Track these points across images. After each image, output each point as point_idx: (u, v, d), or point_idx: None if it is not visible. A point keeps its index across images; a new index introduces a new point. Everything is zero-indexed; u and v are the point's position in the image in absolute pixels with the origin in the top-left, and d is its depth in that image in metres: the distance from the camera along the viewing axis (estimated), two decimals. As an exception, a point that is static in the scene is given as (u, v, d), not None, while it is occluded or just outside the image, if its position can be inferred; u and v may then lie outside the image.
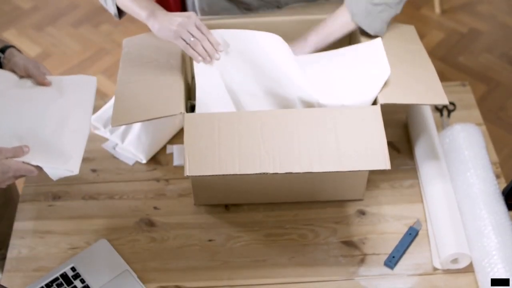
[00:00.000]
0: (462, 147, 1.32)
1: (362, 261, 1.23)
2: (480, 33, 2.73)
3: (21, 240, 1.29)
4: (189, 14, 1.23)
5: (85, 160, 1.20)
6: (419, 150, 1.36)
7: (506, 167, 2.10)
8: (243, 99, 1.26)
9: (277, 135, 1.13)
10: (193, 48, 1.22)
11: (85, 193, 1.37)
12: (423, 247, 1.25)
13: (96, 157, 1.43)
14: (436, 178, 1.29)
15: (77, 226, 1.31)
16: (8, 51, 1.23)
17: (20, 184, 1.46)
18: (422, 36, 2.63)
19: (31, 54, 2.69)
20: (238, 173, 1.09)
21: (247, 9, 1.43)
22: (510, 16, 2.80)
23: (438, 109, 1.50)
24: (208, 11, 1.47)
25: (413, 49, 1.31)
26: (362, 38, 1.32)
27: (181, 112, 1.17)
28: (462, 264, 1.20)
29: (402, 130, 1.46)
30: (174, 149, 1.44)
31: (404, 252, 1.24)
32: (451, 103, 1.50)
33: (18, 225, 1.31)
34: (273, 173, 1.09)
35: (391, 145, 1.42)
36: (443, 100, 1.18)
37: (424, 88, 1.21)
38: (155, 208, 1.34)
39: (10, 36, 2.78)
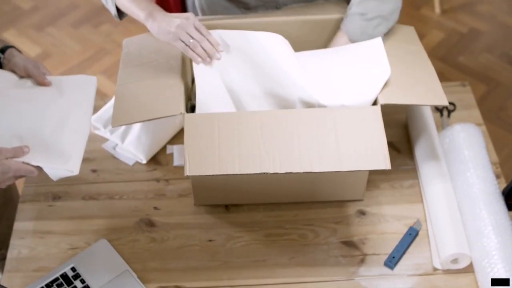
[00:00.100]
0: (462, 147, 1.32)
1: (362, 261, 1.23)
2: (480, 33, 2.72)
3: (21, 240, 1.29)
4: (188, 15, 1.23)
5: (85, 160, 1.20)
6: (419, 150, 1.36)
7: (506, 167, 2.10)
8: (243, 99, 1.26)
9: (277, 135, 1.13)
10: (192, 50, 1.22)
11: (85, 193, 1.37)
12: (423, 247, 1.25)
13: (96, 157, 1.43)
14: (436, 178, 1.29)
15: (77, 226, 1.31)
16: (8, 52, 1.23)
17: (20, 184, 1.46)
18: (422, 36, 2.65)
19: (31, 54, 2.69)
20: (238, 173, 1.09)
21: (246, 8, 1.43)
22: (510, 16, 2.80)
23: (438, 109, 1.50)
24: (207, 10, 1.47)
25: (413, 50, 1.31)
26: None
27: (181, 113, 1.17)
28: (462, 264, 1.20)
29: (402, 130, 1.46)
30: (174, 149, 1.44)
31: (404, 252, 1.24)
32: (451, 103, 1.50)
33: (18, 225, 1.31)
34: (273, 173, 1.09)
35: (391, 145, 1.42)
36: (443, 101, 1.19)
37: (424, 89, 1.21)
38: (155, 208, 1.34)
39: (10, 36, 2.78)
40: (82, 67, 2.64)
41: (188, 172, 1.10)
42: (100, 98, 1.50)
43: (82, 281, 1.20)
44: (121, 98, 1.21)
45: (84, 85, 1.24)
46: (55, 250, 1.27)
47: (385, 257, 1.23)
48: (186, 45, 1.21)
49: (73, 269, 1.22)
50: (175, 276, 1.22)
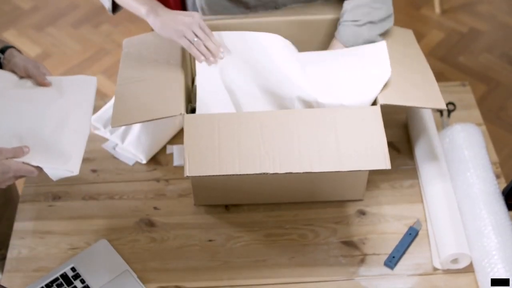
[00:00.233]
0: (462, 147, 1.32)
1: (362, 261, 1.23)
2: (480, 33, 2.72)
3: (21, 240, 1.29)
4: (193, 14, 1.23)
5: (85, 160, 1.20)
6: (419, 150, 1.36)
7: (506, 167, 2.10)
8: (242, 100, 1.26)
9: (277, 135, 1.13)
10: (196, 48, 1.22)
11: (85, 193, 1.37)
12: (423, 247, 1.25)
13: (96, 157, 1.43)
14: (436, 178, 1.29)
15: (77, 226, 1.31)
16: (8, 52, 1.23)
17: (20, 184, 1.46)
18: (422, 36, 2.65)
19: (31, 55, 2.69)
20: (238, 173, 1.09)
21: (246, 8, 1.43)
22: (510, 16, 2.80)
23: (438, 109, 1.50)
24: (207, 10, 1.47)
25: (411, 53, 1.32)
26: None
27: (181, 113, 1.17)
28: (462, 264, 1.20)
29: (402, 130, 1.46)
30: (174, 149, 1.44)
31: (404, 252, 1.24)
32: (451, 103, 1.50)
33: (18, 226, 1.31)
34: (273, 173, 1.09)
35: (391, 145, 1.42)
36: (441, 104, 1.19)
37: (422, 92, 1.22)
38: (155, 208, 1.34)
39: (10, 36, 2.78)
40: (82, 67, 2.64)
41: (188, 172, 1.10)
42: (100, 98, 1.50)
43: (82, 281, 1.20)
44: (121, 98, 1.21)
45: (84, 85, 1.24)
46: (55, 250, 1.27)
47: (385, 257, 1.23)
48: (191, 42, 1.21)
49: (73, 269, 1.22)
50: (175, 276, 1.22)
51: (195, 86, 1.26)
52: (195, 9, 1.53)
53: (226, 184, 1.28)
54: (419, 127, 1.39)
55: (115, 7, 1.31)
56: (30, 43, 2.76)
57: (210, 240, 1.28)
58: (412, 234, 1.26)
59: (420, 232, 1.27)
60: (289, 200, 1.32)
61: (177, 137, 1.46)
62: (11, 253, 1.27)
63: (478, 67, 2.57)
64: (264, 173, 1.09)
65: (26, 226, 1.31)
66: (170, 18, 1.21)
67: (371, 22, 1.29)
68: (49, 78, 1.21)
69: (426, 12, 2.83)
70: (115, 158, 1.43)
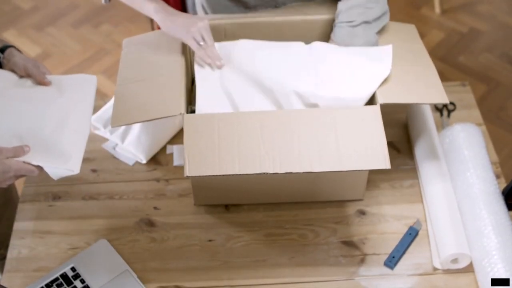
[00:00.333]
0: (462, 147, 1.32)
1: (362, 261, 1.23)
2: (480, 33, 2.73)
3: (21, 240, 1.29)
4: (203, 18, 1.27)
5: (85, 160, 1.20)
6: (419, 150, 1.36)
7: (506, 167, 2.10)
8: (239, 99, 1.26)
9: (277, 135, 1.13)
10: (204, 50, 1.25)
11: (85, 193, 1.37)
12: (423, 247, 1.25)
13: (96, 157, 1.43)
14: (436, 178, 1.29)
15: (77, 226, 1.31)
16: (7, 51, 1.23)
17: (20, 184, 1.46)
18: (422, 36, 2.63)
19: (31, 54, 2.69)
20: (238, 173, 1.09)
21: (246, 7, 1.44)
22: (510, 16, 2.80)
23: (438, 109, 1.50)
24: (208, 9, 1.47)
25: (414, 48, 1.32)
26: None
27: (181, 113, 1.17)
28: (462, 264, 1.20)
29: (402, 130, 1.46)
30: (174, 149, 1.44)
31: (404, 252, 1.24)
32: (451, 103, 1.50)
33: (18, 225, 1.31)
34: (273, 173, 1.09)
35: (391, 145, 1.42)
36: (444, 99, 1.19)
37: (425, 87, 1.21)
38: (155, 208, 1.34)
39: (10, 36, 2.78)
40: (82, 67, 2.64)
41: (188, 172, 1.10)
42: (100, 98, 1.50)
43: (82, 281, 1.20)
44: (121, 98, 1.21)
45: (84, 84, 1.24)
46: (55, 250, 1.27)
47: (385, 257, 1.23)
48: (199, 44, 1.23)
49: (73, 269, 1.22)
50: (175, 276, 1.22)
51: (195, 87, 1.26)
52: (195, 8, 1.54)
53: (226, 184, 1.28)
54: (419, 127, 1.39)
55: None
56: (30, 43, 2.76)
57: (210, 240, 1.28)
58: (412, 234, 1.26)
59: (420, 232, 1.27)
60: (289, 200, 1.32)
61: (177, 137, 1.46)
62: (11, 253, 1.27)
63: (478, 67, 2.57)
64: (264, 173, 1.09)
65: (26, 226, 1.31)
66: (183, 19, 1.25)
67: (365, 22, 1.30)
68: (49, 77, 1.21)
69: (426, 12, 2.83)
70: (115, 158, 1.43)
